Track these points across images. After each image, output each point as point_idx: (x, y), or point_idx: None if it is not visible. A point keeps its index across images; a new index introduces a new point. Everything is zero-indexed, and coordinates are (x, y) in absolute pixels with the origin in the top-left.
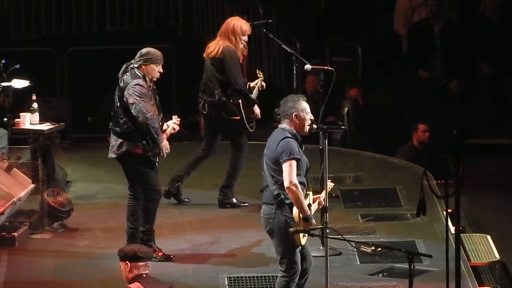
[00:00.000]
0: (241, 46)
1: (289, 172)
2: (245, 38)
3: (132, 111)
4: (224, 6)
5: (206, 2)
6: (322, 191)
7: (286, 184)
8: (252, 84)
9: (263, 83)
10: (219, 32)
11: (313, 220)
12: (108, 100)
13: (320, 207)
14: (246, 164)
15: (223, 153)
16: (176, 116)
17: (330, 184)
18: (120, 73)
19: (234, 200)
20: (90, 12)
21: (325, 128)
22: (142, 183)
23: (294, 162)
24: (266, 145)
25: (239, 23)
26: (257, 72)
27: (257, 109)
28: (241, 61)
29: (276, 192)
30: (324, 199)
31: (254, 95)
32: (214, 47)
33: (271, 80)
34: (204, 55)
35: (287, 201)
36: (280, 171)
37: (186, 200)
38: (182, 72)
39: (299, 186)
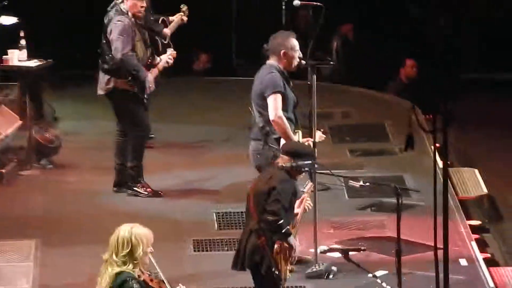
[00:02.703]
0: None
1: (274, 106)
2: None
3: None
4: None
5: None
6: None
7: (271, 117)
8: (171, 18)
9: (185, 18)
10: None
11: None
12: (97, 36)
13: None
14: (234, 99)
15: (213, 89)
16: (172, 49)
17: (321, 135)
18: (108, 8)
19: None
20: None
21: (314, 63)
22: (129, 119)
23: (279, 96)
24: (254, 81)
25: None
26: (181, 6)
27: (166, 31)
28: None
29: (261, 125)
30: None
31: (171, 27)
32: None
33: (260, 17)
34: None
35: (274, 135)
36: (265, 106)
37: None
38: None
39: (284, 118)
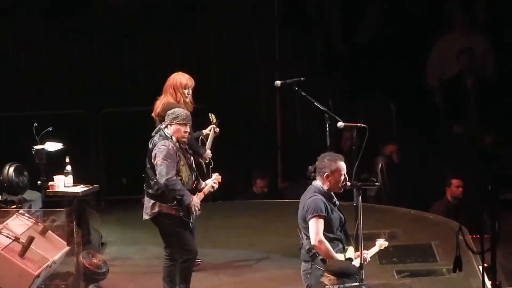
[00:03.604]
0: (186, 100)
1: (315, 230)
2: (188, 91)
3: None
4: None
5: (237, 63)
6: (371, 248)
7: (312, 242)
8: (205, 132)
9: (217, 129)
10: (165, 89)
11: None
12: (142, 161)
13: (365, 263)
14: (281, 221)
15: (260, 211)
16: (217, 174)
17: (384, 243)
18: (153, 133)
19: None
20: (123, 73)
21: (359, 185)
22: (176, 243)
23: (320, 220)
24: (299, 204)
25: (179, 77)
26: (210, 116)
27: (208, 153)
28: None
29: (307, 247)
30: (369, 256)
31: (208, 144)
32: (159, 104)
33: (305, 138)
34: (153, 114)
35: (320, 256)
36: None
37: None
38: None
39: (325, 241)
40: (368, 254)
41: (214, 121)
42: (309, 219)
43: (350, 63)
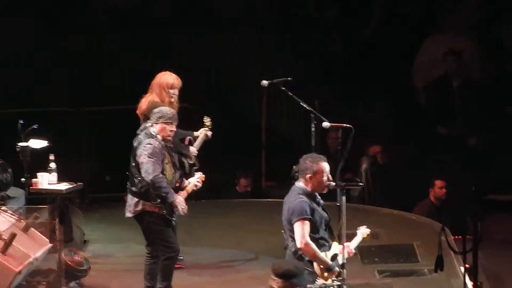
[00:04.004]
0: (171, 100)
1: (300, 233)
2: (174, 91)
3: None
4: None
5: (223, 63)
6: (352, 240)
7: (298, 245)
8: (196, 134)
9: (209, 133)
10: (151, 88)
11: (337, 268)
12: (126, 159)
13: (350, 255)
14: (265, 220)
15: (243, 210)
16: (201, 173)
17: (366, 231)
18: (138, 131)
19: None
20: (107, 71)
21: (343, 185)
22: (159, 241)
23: (305, 222)
24: (283, 206)
25: (166, 77)
26: (204, 120)
27: (193, 151)
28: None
29: (293, 249)
30: (353, 246)
31: (197, 146)
32: (144, 101)
33: (290, 138)
34: (138, 112)
35: (306, 258)
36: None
37: None
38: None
39: (311, 243)
40: (351, 244)
41: (208, 124)
42: (295, 222)
43: (337, 64)
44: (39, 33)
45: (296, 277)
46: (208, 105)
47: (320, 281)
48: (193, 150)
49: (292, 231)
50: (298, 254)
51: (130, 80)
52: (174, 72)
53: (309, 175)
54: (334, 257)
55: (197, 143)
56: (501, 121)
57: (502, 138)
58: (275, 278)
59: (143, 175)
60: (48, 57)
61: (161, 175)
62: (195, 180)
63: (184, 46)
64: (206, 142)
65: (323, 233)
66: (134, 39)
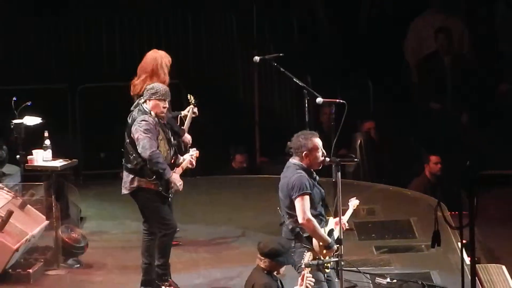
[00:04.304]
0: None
1: (302, 208)
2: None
3: (137, 147)
4: (234, 44)
5: (216, 40)
6: (344, 213)
7: (300, 220)
8: (183, 113)
9: (195, 110)
10: (143, 69)
11: (335, 246)
12: (121, 136)
13: (344, 229)
14: (258, 197)
15: (238, 187)
16: (195, 149)
17: (356, 202)
18: (131, 108)
19: None
20: (101, 48)
21: (338, 160)
22: (156, 218)
23: (306, 197)
24: (280, 182)
25: (165, 58)
26: (189, 97)
27: (187, 137)
28: None
29: (291, 226)
30: (345, 219)
31: (186, 124)
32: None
33: (283, 114)
34: (132, 93)
35: (304, 234)
36: (293, 207)
37: None
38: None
39: (313, 219)
40: (344, 218)
41: (193, 101)
42: (295, 198)
43: (330, 40)
44: (29, 7)
45: (281, 255)
46: (200, 81)
47: (307, 256)
48: (188, 138)
49: (289, 207)
50: (296, 231)
51: (123, 56)
52: (167, 51)
53: (305, 152)
54: (330, 233)
55: (187, 122)
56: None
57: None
58: (262, 258)
59: (139, 151)
60: (41, 32)
61: (158, 151)
62: (189, 157)
63: (173, 22)
64: (196, 118)
65: (320, 209)
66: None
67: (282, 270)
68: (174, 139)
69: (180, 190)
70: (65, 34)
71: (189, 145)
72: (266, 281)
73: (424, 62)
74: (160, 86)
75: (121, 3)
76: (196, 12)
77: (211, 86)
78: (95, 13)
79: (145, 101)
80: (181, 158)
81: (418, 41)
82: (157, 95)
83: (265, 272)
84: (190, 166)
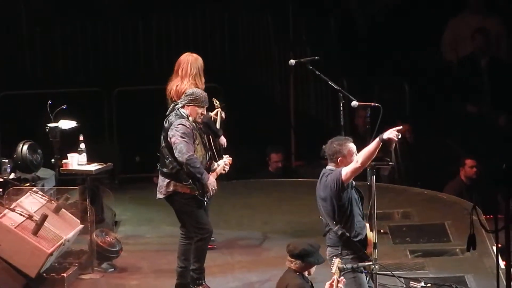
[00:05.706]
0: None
1: (350, 166)
2: None
3: (174, 151)
4: (271, 46)
5: (253, 43)
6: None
7: (357, 165)
8: (212, 114)
9: (223, 114)
10: (183, 71)
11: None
12: (156, 140)
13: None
14: (294, 201)
15: (273, 191)
16: (228, 156)
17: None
18: (167, 112)
19: None
20: (137, 51)
21: (373, 164)
22: (191, 222)
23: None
24: (317, 189)
25: (200, 61)
26: (214, 102)
27: (223, 139)
28: None
29: (340, 232)
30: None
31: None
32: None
33: (318, 118)
34: (169, 97)
35: (354, 239)
36: (338, 211)
37: None
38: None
39: (359, 157)
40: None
41: (218, 105)
42: (340, 174)
43: (365, 43)
44: (65, 12)
45: (312, 255)
46: (236, 85)
47: (336, 262)
48: (224, 141)
49: (333, 212)
50: (345, 237)
51: (159, 60)
52: (203, 53)
53: (340, 158)
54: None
55: (217, 126)
56: None
57: None
58: (292, 259)
59: (176, 156)
60: (77, 36)
61: (195, 156)
62: (223, 163)
63: (209, 25)
64: (233, 121)
65: (360, 211)
66: (162, 20)
67: (313, 270)
68: (213, 140)
69: (212, 194)
70: (100, 37)
71: (224, 146)
72: (300, 282)
73: (460, 63)
74: (199, 93)
75: (155, 5)
76: (233, 13)
77: (248, 89)
78: (131, 15)
79: (183, 106)
80: (215, 164)
81: (455, 41)
82: (197, 102)
83: (297, 273)
84: (223, 172)
